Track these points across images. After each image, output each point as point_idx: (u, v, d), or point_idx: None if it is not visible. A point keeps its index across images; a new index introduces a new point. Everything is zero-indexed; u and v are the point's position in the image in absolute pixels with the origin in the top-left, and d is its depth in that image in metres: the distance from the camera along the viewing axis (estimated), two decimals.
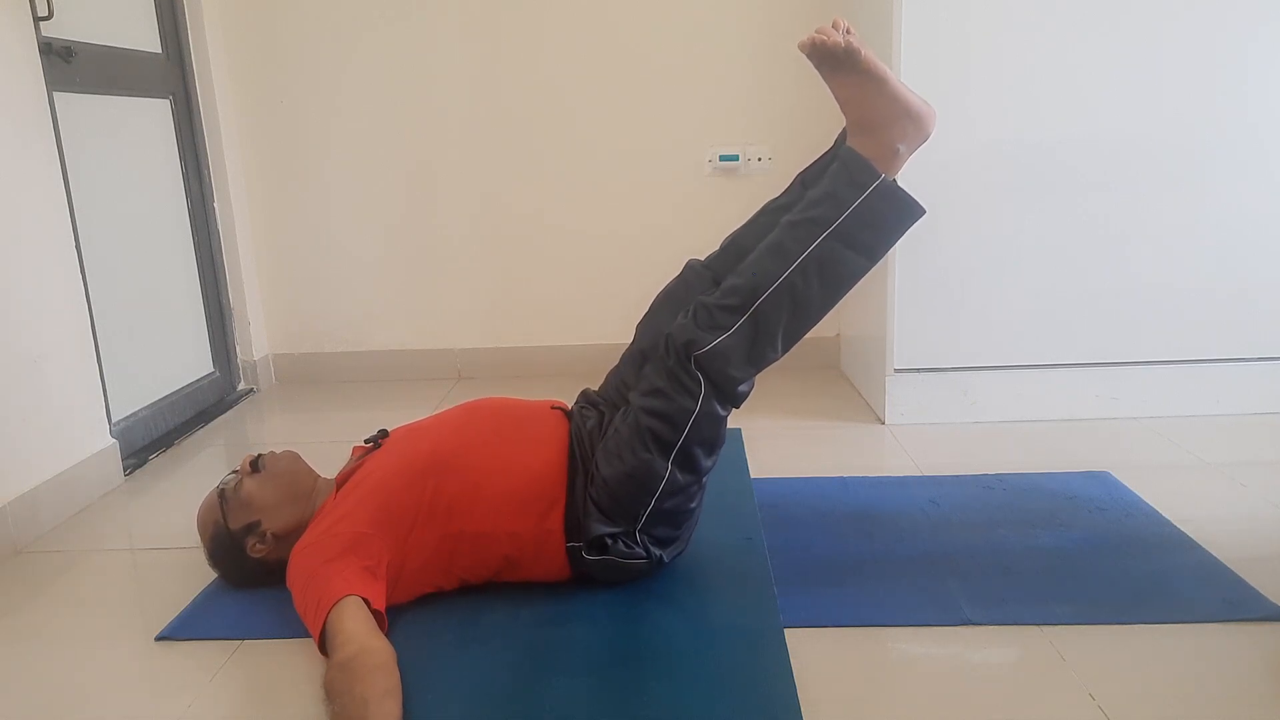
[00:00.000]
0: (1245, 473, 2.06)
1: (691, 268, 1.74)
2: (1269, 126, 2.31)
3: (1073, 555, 1.70)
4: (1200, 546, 1.71)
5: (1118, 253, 2.39)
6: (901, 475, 2.12)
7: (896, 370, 2.46)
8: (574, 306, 3.11)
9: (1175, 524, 1.81)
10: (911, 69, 2.29)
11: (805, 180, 1.66)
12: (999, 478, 2.07)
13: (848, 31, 1.49)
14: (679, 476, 1.54)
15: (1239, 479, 2.03)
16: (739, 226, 1.73)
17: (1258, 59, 2.27)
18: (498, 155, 3.00)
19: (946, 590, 1.59)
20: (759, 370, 1.53)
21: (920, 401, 2.47)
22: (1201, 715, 1.26)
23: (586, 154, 2.99)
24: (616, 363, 1.78)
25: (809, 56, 1.51)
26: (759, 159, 2.97)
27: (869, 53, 1.48)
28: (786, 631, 1.47)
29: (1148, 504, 1.90)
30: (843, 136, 1.61)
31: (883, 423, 2.48)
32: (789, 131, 2.96)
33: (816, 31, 1.47)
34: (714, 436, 1.54)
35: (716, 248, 1.76)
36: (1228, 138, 2.32)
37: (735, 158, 2.97)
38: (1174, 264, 2.38)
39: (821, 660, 1.41)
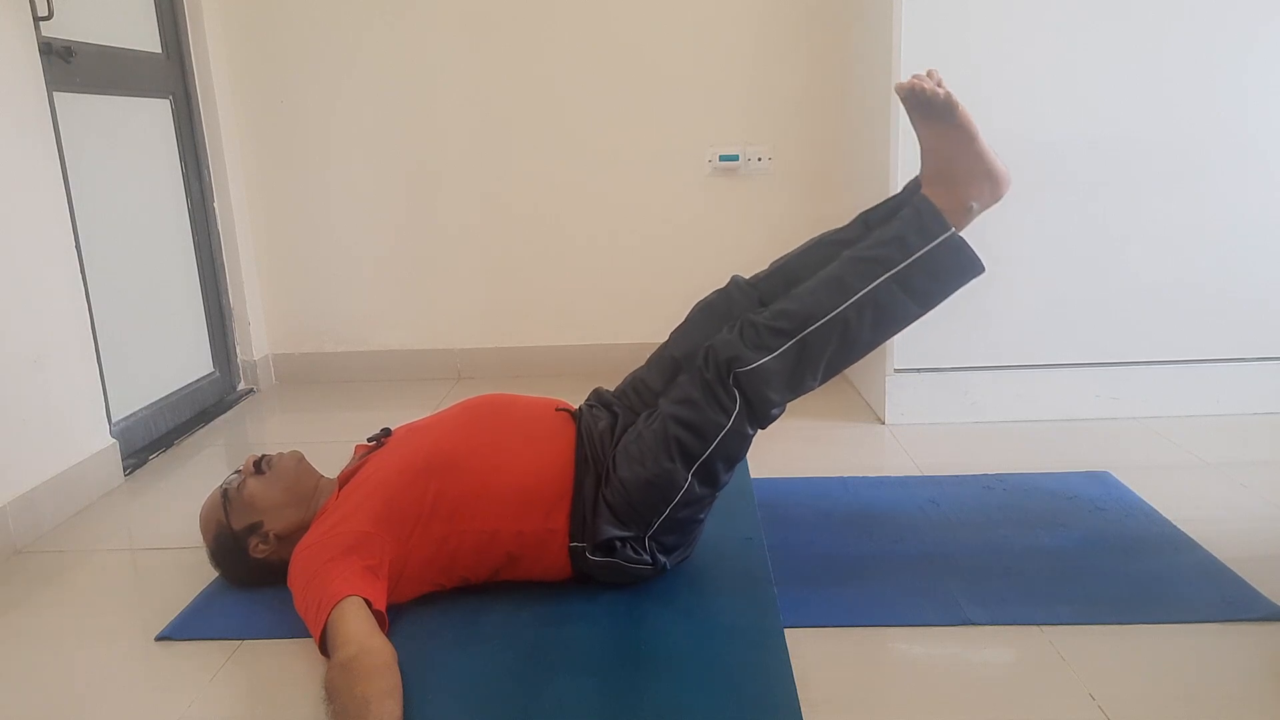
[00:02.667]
0: (1245, 473, 2.06)
1: (736, 284, 1.72)
2: (1270, 127, 2.31)
3: (1073, 555, 1.70)
4: (1200, 546, 1.71)
5: (1118, 253, 2.39)
6: (901, 475, 2.12)
7: (896, 370, 2.46)
8: (574, 306, 3.11)
9: (1175, 524, 1.81)
10: (912, 69, 2.29)
11: (868, 220, 1.66)
12: (999, 478, 2.07)
13: (939, 84, 1.51)
14: (697, 488, 1.54)
15: (1239, 479, 2.03)
16: (789, 252, 1.71)
17: (1258, 59, 2.27)
18: (498, 155, 3.00)
19: (946, 590, 1.59)
20: (795, 397, 1.53)
21: (920, 401, 2.47)
22: (1201, 715, 1.26)
23: (586, 154, 3.00)
24: (639, 365, 1.77)
25: (904, 100, 1.53)
26: (759, 159, 2.97)
27: (964, 107, 1.50)
28: (786, 631, 1.47)
29: (1148, 504, 1.90)
30: (914, 184, 1.62)
31: (883, 423, 2.48)
32: (789, 131, 2.96)
33: (914, 77, 1.49)
34: (737, 454, 1.55)
35: (764, 268, 1.74)
36: (1228, 138, 2.32)
37: (735, 158, 2.97)
38: (1174, 264, 2.38)
39: (821, 660, 1.41)
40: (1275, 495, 1.94)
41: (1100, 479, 2.04)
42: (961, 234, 1.53)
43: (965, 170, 1.53)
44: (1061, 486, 2.00)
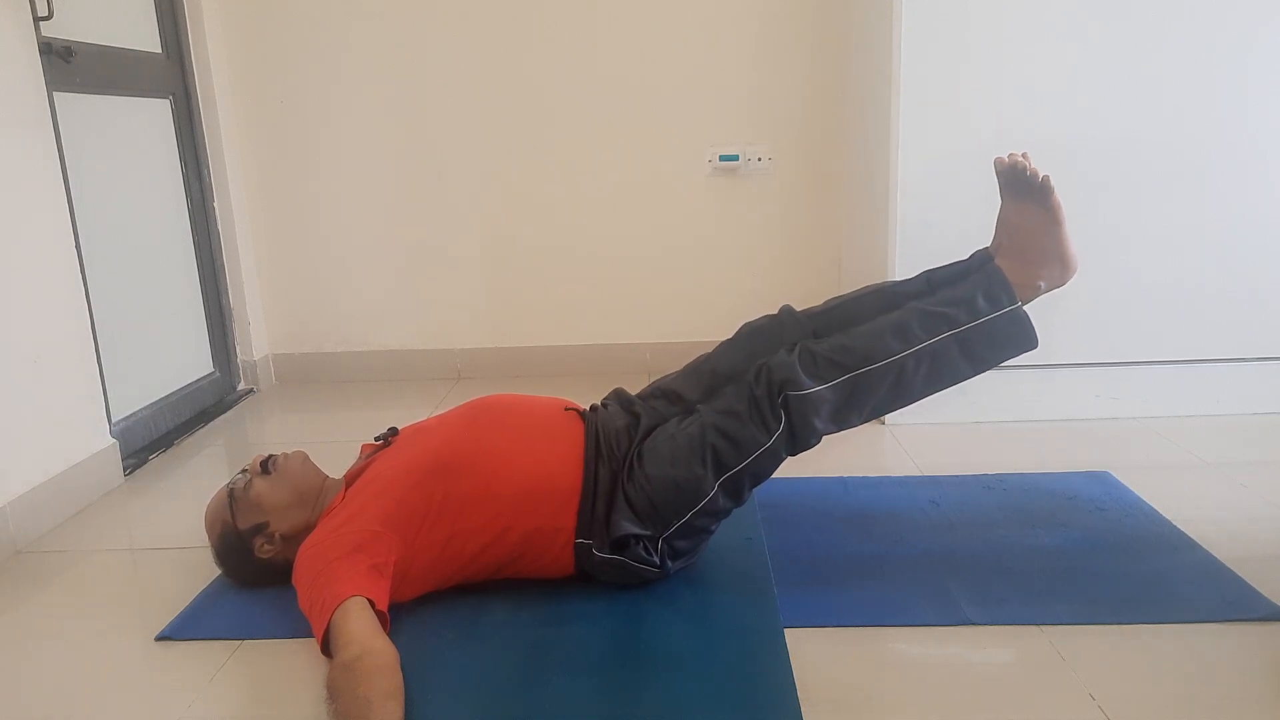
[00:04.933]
0: (1245, 473, 2.06)
1: (788, 312, 1.74)
2: (1270, 127, 2.31)
3: (1073, 555, 1.70)
4: (1200, 546, 1.71)
5: (1118, 253, 2.39)
6: (901, 475, 2.12)
7: None
8: (574, 306, 3.11)
9: (1175, 524, 1.81)
10: (911, 69, 2.29)
11: (931, 278, 1.70)
12: (999, 478, 2.07)
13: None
14: (720, 500, 1.55)
15: (1239, 479, 2.03)
16: (846, 294, 1.76)
17: (1258, 59, 2.27)
18: (497, 155, 3.00)
19: (946, 590, 1.59)
20: (836, 430, 1.56)
21: (920, 402, 2.46)
22: (1201, 715, 1.26)
23: (587, 153, 3.00)
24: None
25: (1000, 174, 1.60)
26: (759, 159, 2.97)
27: (1058, 194, 1.55)
28: (786, 631, 1.47)
29: (1148, 504, 1.90)
30: (984, 253, 1.68)
31: (883, 423, 2.48)
32: (789, 131, 2.96)
33: (1013, 155, 1.55)
34: (765, 474, 1.57)
35: (818, 304, 1.78)
36: (1228, 138, 2.32)
37: (735, 158, 2.97)
38: (1174, 264, 2.38)
39: (821, 660, 1.41)
40: (1275, 495, 1.94)
41: (1100, 479, 2.04)
42: (1025, 309, 1.57)
43: (1043, 251, 1.59)
44: (1061, 486, 2.00)
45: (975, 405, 2.46)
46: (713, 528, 1.61)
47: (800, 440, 1.55)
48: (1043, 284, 1.60)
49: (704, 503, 1.54)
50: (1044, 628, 1.47)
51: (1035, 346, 1.59)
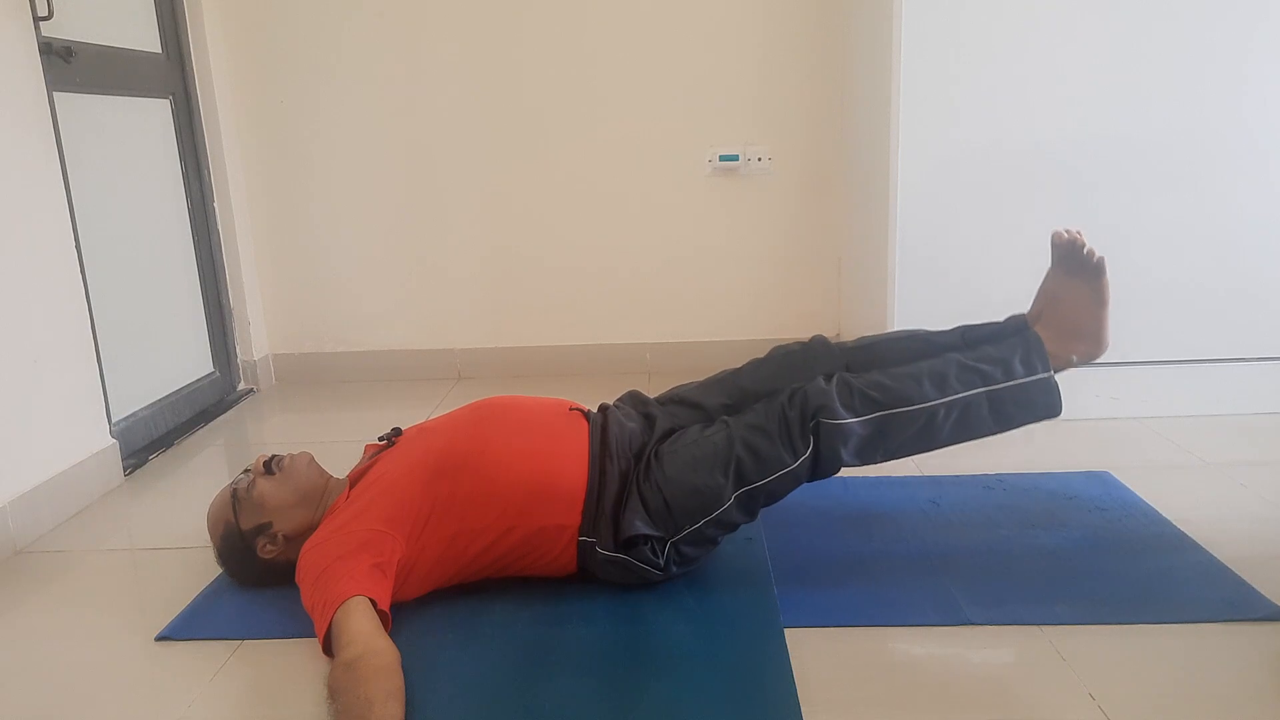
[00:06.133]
0: (1245, 473, 2.06)
1: (821, 342, 1.77)
2: (1268, 126, 2.31)
3: (1073, 555, 1.70)
4: (1200, 546, 1.71)
5: (1117, 253, 2.35)
6: (901, 475, 2.11)
7: None
8: (574, 306, 3.11)
9: (1175, 524, 1.81)
10: (911, 69, 2.30)
11: (967, 334, 1.74)
12: (999, 478, 2.07)
13: None
14: (733, 512, 1.57)
15: (1239, 479, 2.03)
16: (879, 334, 1.80)
17: (1256, 59, 2.27)
18: (498, 155, 3.00)
19: (946, 590, 1.59)
20: (858, 464, 1.58)
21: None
22: (1201, 715, 1.26)
23: (587, 153, 3.00)
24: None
25: (1057, 247, 1.64)
26: (759, 159, 2.97)
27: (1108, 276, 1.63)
28: (786, 631, 1.48)
29: (1148, 504, 1.90)
30: (1020, 319, 1.72)
31: None
32: (789, 131, 2.96)
33: (1070, 230, 1.62)
34: (781, 495, 1.59)
35: (850, 340, 1.81)
36: (1227, 137, 2.31)
37: (735, 158, 2.97)
38: (1174, 264, 2.38)
39: (821, 660, 1.41)
40: (1275, 495, 1.94)
41: (1100, 479, 2.04)
42: (1056, 378, 1.60)
43: (1082, 327, 1.64)
44: (1061, 486, 2.01)
45: None
46: (720, 539, 1.62)
47: (823, 468, 1.57)
48: (1075, 358, 1.64)
49: (718, 512, 1.55)
50: (1044, 628, 1.47)
51: (1058, 415, 1.62)
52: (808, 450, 1.54)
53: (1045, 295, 1.70)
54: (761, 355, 1.81)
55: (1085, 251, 1.62)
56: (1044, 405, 1.60)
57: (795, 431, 1.55)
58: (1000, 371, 1.58)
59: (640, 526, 1.54)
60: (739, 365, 1.81)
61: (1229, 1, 2.24)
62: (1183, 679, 1.34)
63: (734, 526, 1.60)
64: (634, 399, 1.80)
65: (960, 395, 1.56)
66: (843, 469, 1.58)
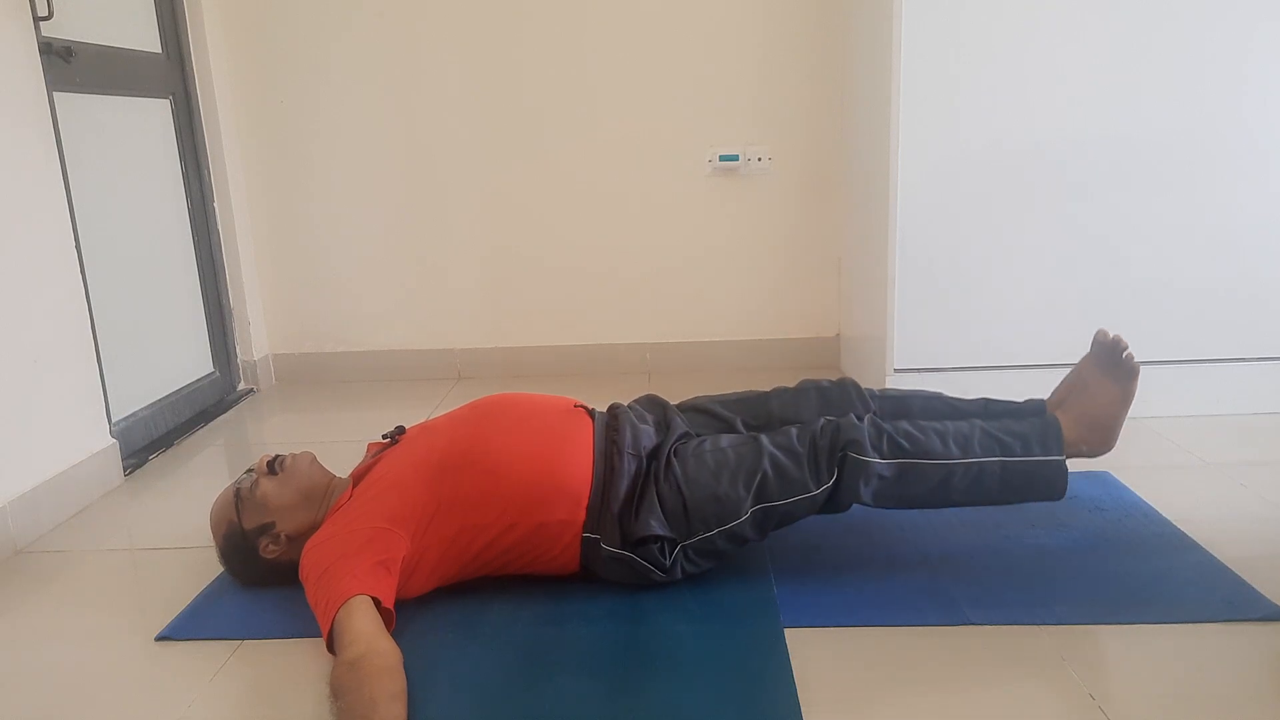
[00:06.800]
0: (1245, 473, 2.06)
1: (852, 383, 1.82)
2: (1268, 126, 2.31)
3: (1073, 555, 1.70)
4: (1200, 546, 1.71)
5: (1118, 253, 2.39)
6: None
7: (896, 370, 2.46)
8: (574, 306, 3.11)
9: (1175, 524, 1.81)
10: (911, 69, 2.30)
11: (989, 406, 1.80)
12: None
13: None
14: (746, 528, 1.58)
15: (1239, 479, 2.03)
16: (904, 389, 1.86)
17: (1256, 58, 2.27)
18: (498, 155, 3.00)
19: (946, 590, 1.59)
20: (871, 505, 1.61)
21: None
22: (1201, 715, 1.26)
23: (587, 154, 3.00)
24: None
25: (1099, 344, 1.71)
26: (759, 159, 2.97)
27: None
28: (786, 631, 1.48)
29: (1148, 504, 1.90)
30: (1039, 402, 1.78)
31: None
32: (789, 132, 2.96)
33: (1115, 334, 1.70)
34: (794, 519, 1.61)
35: (876, 389, 1.86)
36: (1227, 138, 2.32)
37: (735, 158, 2.97)
38: (1173, 264, 2.38)
39: (821, 660, 1.41)
40: (1275, 495, 1.94)
41: (1100, 479, 2.04)
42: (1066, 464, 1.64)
43: (1100, 423, 1.68)
44: None
45: None
46: (727, 553, 1.62)
47: (840, 500, 1.59)
48: (1085, 448, 1.68)
49: (733, 524, 1.56)
50: (1044, 628, 1.47)
51: (1061, 499, 1.66)
52: (831, 480, 1.58)
53: (1073, 385, 1.75)
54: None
55: (1125, 355, 1.68)
56: (1049, 487, 1.64)
57: (823, 460, 1.58)
58: (1019, 446, 1.62)
59: (655, 527, 1.54)
60: (766, 389, 1.85)
61: (1229, 1, 2.24)
62: (1183, 679, 1.34)
63: (742, 542, 1.61)
64: (651, 402, 1.82)
65: (978, 460, 1.60)
66: (857, 503, 1.61)
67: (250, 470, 1.68)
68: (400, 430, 1.74)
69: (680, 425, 1.72)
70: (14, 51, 2.03)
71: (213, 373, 2.91)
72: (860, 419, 1.63)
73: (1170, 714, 1.26)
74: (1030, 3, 2.26)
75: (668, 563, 1.57)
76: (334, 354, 3.17)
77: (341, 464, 1.85)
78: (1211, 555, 1.68)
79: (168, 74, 2.73)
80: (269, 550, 1.62)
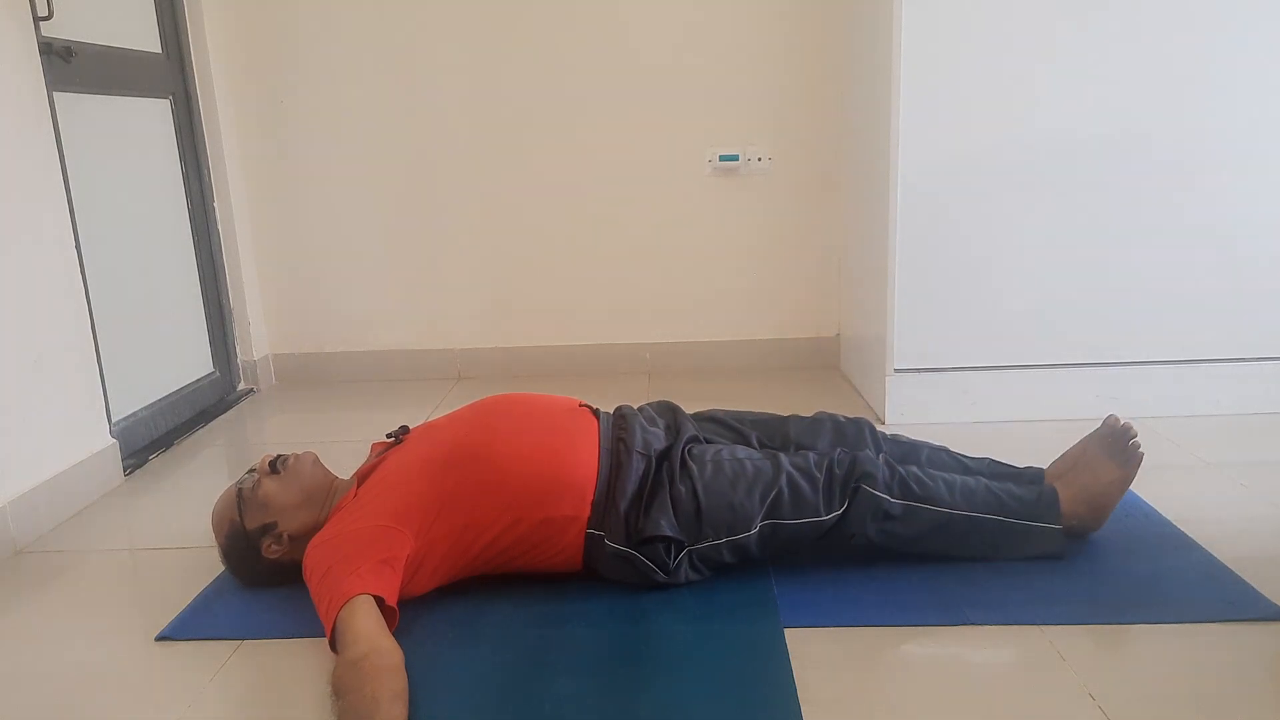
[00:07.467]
0: (1245, 473, 2.06)
1: (867, 423, 1.86)
2: (1268, 126, 2.31)
3: (1072, 555, 1.70)
4: (1200, 546, 1.71)
5: (1118, 252, 2.39)
6: None
7: (896, 370, 2.46)
8: (574, 306, 3.11)
9: (1175, 524, 1.81)
10: (911, 68, 2.29)
11: (993, 467, 1.84)
12: None
13: None
14: (753, 543, 1.60)
15: (1239, 479, 2.03)
16: (915, 438, 1.89)
17: (1256, 58, 2.27)
18: (498, 155, 3.00)
19: (946, 590, 1.59)
20: (873, 538, 1.63)
21: (920, 401, 2.47)
22: (1201, 715, 1.26)
23: (587, 154, 3.00)
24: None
25: (1109, 427, 1.75)
26: (759, 159, 2.97)
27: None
28: (786, 631, 1.48)
29: (1148, 504, 1.90)
30: (1039, 470, 1.82)
31: (883, 422, 2.48)
32: (789, 131, 2.96)
33: (1126, 421, 1.74)
34: (797, 541, 1.62)
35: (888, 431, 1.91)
36: (1229, 138, 2.31)
37: (735, 158, 2.97)
38: (1173, 264, 2.38)
39: (821, 660, 1.41)
40: (1275, 495, 1.94)
41: None
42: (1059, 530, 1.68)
43: (1095, 500, 1.71)
44: None
45: (975, 405, 2.46)
46: (729, 563, 1.63)
47: (845, 529, 1.61)
48: (1076, 524, 1.71)
49: (741, 535, 1.58)
50: (1044, 628, 1.47)
51: (1051, 559, 1.68)
52: (841, 508, 1.60)
53: (1075, 461, 1.77)
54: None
55: (1132, 442, 1.71)
56: (1040, 549, 1.67)
57: (836, 489, 1.61)
58: (1018, 509, 1.66)
59: (664, 527, 1.55)
60: (783, 414, 1.88)
61: (1229, 2, 2.24)
62: (1182, 679, 1.34)
63: (746, 556, 1.62)
64: (663, 406, 1.83)
65: (979, 514, 1.64)
66: (858, 538, 1.62)
67: (252, 470, 1.68)
68: (404, 430, 1.74)
69: (690, 429, 1.73)
70: (14, 51, 2.03)
71: (213, 373, 2.91)
72: (878, 455, 1.67)
73: (1170, 713, 1.26)
74: (1030, 3, 2.26)
75: (671, 564, 1.57)
76: (334, 354, 3.17)
77: (342, 464, 1.85)
78: (1211, 555, 1.68)
79: (168, 74, 2.73)
80: (271, 550, 1.62)
